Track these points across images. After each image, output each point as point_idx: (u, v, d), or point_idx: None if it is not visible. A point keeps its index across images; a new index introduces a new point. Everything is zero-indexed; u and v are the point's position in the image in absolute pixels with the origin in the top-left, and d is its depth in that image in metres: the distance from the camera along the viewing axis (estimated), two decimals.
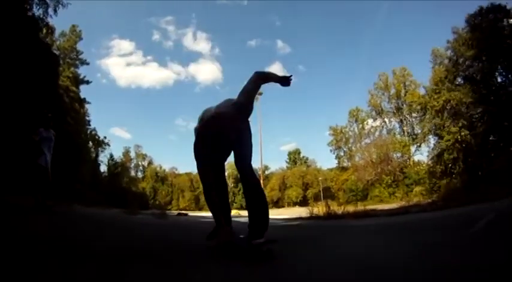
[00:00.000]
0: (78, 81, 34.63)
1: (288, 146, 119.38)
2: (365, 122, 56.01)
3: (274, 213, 27.56)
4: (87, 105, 39.33)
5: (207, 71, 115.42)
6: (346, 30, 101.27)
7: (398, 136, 48.91)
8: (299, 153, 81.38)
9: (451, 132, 31.75)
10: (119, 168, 48.75)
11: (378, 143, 46.80)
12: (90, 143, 42.89)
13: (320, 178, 65.19)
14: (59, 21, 34.34)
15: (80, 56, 36.06)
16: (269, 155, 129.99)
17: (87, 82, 35.91)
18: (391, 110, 50.54)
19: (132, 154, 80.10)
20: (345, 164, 61.94)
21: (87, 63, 36.50)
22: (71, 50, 35.26)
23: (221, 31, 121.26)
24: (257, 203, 2.71)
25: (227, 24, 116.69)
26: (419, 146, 45.39)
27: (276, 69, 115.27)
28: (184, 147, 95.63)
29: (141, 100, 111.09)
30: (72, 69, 34.13)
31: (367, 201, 38.90)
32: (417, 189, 37.93)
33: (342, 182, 59.33)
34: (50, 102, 19.87)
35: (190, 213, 25.64)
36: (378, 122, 52.28)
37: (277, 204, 76.04)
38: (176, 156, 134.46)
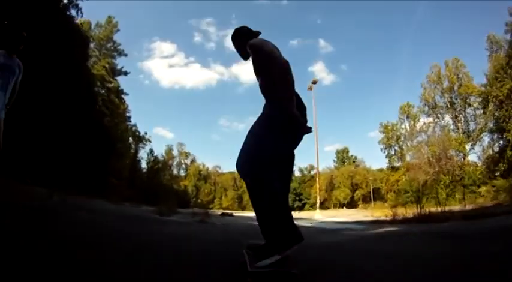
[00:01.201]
0: (114, 72, 32.89)
1: (332, 146, 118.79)
2: (417, 119, 51.62)
3: (326, 215, 25.08)
4: (125, 98, 38.51)
5: (250, 72, 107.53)
6: (387, 25, 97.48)
7: (452, 133, 44.03)
8: (347, 152, 77.11)
9: None
10: (159, 164, 46.75)
11: (433, 140, 41.89)
12: (131, 139, 42.14)
13: (370, 178, 60.66)
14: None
15: (118, 47, 34.48)
16: (313, 155, 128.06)
17: (125, 73, 34.24)
18: (444, 105, 45.85)
19: (175, 152, 78.79)
20: (395, 164, 57.63)
21: (125, 55, 34.80)
22: (107, 40, 33.74)
23: (262, 31, 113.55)
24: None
25: (268, 24, 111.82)
26: (475, 144, 41.65)
27: (319, 69, 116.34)
28: (228, 147, 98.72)
29: (184, 100, 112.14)
30: (108, 59, 32.45)
31: (425, 203, 35.18)
32: (482, 189, 33.46)
33: (392, 182, 55.15)
34: (76, 84, 17.79)
35: (236, 213, 23.17)
36: (431, 118, 47.49)
37: (323, 205, 72.81)
38: (219, 156, 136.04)
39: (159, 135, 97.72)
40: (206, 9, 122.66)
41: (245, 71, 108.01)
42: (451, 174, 38.33)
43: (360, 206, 59.05)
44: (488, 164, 34.42)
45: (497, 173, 30.96)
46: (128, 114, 40.37)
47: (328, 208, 67.67)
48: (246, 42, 2.54)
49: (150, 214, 9.15)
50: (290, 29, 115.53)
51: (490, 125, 36.14)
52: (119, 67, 34.20)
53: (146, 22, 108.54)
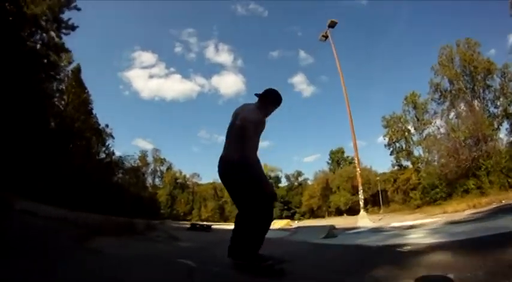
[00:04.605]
0: (60, 23, 24.28)
1: (312, 157, 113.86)
2: (425, 108, 44.38)
3: (376, 221, 17.66)
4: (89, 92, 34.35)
5: (230, 83, 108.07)
6: (367, 35, 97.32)
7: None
8: (343, 152, 69.07)
9: None
10: (111, 158, 36.96)
11: (461, 124, 35.41)
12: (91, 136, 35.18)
13: (378, 178, 52.66)
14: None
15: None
16: (294, 167, 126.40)
17: (73, 28, 25.65)
18: (457, 89, 38.86)
19: (150, 159, 70.72)
20: (403, 162, 50.00)
21: (78, 9, 26.17)
22: None
23: (243, 43, 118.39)
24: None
25: (249, 36, 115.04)
26: (497, 128, 35.95)
27: (299, 80, 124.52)
28: (207, 158, 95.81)
29: (164, 112, 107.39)
30: (56, 9, 24.19)
31: (462, 198, 29.01)
32: None
33: (402, 182, 47.83)
34: None
35: (216, 226, 15.33)
36: (442, 106, 40.78)
37: (314, 213, 65.21)
38: (199, 168, 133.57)
39: (139, 147, 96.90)
40: (187, 20, 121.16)
41: (225, 82, 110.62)
42: (493, 158, 32.06)
43: (371, 210, 51.20)
44: None
45: None
46: (90, 105, 35.14)
47: (323, 217, 60.19)
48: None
49: None
50: (271, 40, 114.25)
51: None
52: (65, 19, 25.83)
53: (127, 31, 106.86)
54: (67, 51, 27.68)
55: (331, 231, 7.54)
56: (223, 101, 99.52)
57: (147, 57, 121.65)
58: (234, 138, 3.18)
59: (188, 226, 12.88)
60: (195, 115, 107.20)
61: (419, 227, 9.20)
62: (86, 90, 34.63)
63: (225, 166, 3.20)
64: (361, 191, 20.19)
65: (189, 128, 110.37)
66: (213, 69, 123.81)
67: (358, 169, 21.18)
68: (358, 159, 20.98)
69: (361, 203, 19.49)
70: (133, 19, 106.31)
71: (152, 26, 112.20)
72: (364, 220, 17.14)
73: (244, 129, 3.04)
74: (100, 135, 36.16)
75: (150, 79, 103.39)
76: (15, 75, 17.83)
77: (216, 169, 3.25)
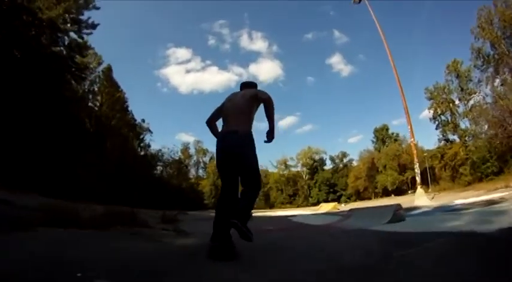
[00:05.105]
0: (78, 22, 23.70)
1: (356, 138, 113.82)
2: (470, 75, 42.03)
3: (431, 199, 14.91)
4: (124, 90, 35.38)
5: (267, 69, 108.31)
6: (401, 7, 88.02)
7: None
8: (387, 129, 66.04)
9: None
10: (148, 151, 37.28)
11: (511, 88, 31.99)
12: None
13: (425, 154, 48.87)
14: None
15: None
16: (338, 149, 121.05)
17: (94, 26, 25.09)
18: (497, 53, 35.98)
19: (192, 151, 72.79)
20: (450, 136, 47.45)
21: (97, 8, 25.70)
22: None
23: (275, 28, 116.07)
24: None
25: (280, 21, 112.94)
26: None
27: (336, 60, 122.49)
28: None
29: (204, 104, 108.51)
30: (73, 10, 23.64)
31: None
32: None
33: (450, 157, 44.98)
34: None
35: (259, 213, 14.92)
36: (486, 74, 37.83)
37: (360, 196, 63.18)
38: None
39: (182, 140, 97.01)
40: (217, 12, 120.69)
41: (262, 69, 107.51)
42: None
43: (409, 192, 48.09)
44: None
45: None
46: (126, 103, 36.28)
47: (369, 198, 58.01)
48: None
49: None
50: (304, 23, 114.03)
51: None
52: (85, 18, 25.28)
53: (159, 29, 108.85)
54: (89, 48, 27.76)
55: (398, 213, 5.69)
56: (262, 87, 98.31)
57: (182, 53, 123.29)
58: (241, 114, 3.29)
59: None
60: None
61: (502, 202, 7.57)
62: (120, 89, 35.44)
63: (239, 139, 3.14)
64: (417, 164, 18.38)
65: None
66: (249, 57, 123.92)
67: (412, 139, 19.20)
68: (412, 127, 18.77)
69: (418, 179, 17.74)
70: (163, 18, 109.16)
71: (183, 23, 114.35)
72: (422, 198, 15.39)
73: (268, 100, 3.32)
74: (135, 130, 36.91)
75: (187, 74, 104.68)
76: (38, 79, 17.82)
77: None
